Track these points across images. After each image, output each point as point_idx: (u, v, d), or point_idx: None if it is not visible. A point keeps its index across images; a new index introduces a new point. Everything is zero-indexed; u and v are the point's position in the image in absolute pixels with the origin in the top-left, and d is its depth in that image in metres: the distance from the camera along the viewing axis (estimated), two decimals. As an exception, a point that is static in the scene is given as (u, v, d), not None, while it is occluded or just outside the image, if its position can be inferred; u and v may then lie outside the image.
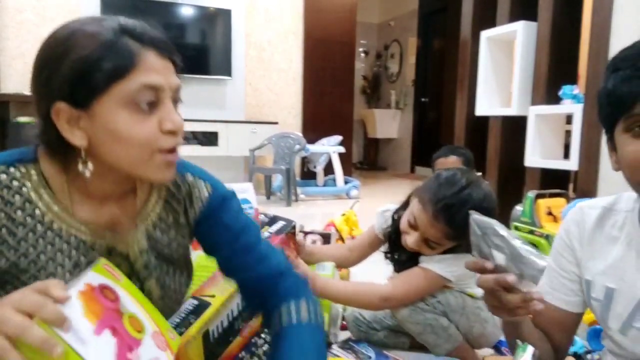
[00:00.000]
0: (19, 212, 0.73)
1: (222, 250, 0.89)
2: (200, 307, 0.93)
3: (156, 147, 0.71)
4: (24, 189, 0.73)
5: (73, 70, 0.67)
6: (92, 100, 0.68)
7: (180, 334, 0.84)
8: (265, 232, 1.22)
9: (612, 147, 0.74)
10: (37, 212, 0.74)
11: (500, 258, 0.70)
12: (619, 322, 0.78)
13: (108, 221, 0.79)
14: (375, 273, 1.99)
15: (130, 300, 0.69)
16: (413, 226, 1.26)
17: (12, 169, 0.73)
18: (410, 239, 1.26)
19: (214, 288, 0.99)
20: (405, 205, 1.38)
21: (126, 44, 0.69)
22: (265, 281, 0.87)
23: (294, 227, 1.29)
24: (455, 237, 1.22)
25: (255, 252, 0.88)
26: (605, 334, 0.84)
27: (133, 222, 0.81)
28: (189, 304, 0.95)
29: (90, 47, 0.67)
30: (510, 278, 0.68)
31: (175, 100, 0.75)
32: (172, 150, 0.73)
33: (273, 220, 1.30)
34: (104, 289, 0.66)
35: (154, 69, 0.70)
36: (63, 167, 0.75)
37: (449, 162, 2.12)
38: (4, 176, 0.72)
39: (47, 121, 0.70)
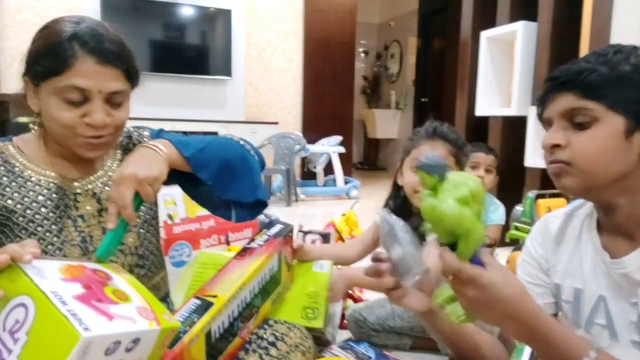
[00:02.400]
0: (2, 168, 0.92)
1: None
2: (203, 307, 0.94)
3: (77, 132, 0.89)
4: (3, 155, 0.94)
5: (29, 56, 0.90)
6: (39, 83, 0.89)
7: (184, 332, 0.86)
8: (264, 235, 1.23)
9: None
10: (16, 169, 0.93)
11: (396, 254, 0.78)
12: (584, 320, 0.83)
13: (80, 171, 0.99)
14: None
15: (127, 286, 0.74)
16: None
17: None
18: None
19: (216, 288, 1.00)
20: (396, 187, 1.45)
21: (68, 48, 0.85)
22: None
23: (291, 231, 1.30)
24: (454, 152, 1.34)
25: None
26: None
27: (100, 170, 1.01)
28: (191, 303, 0.95)
29: (43, 44, 0.88)
30: (384, 266, 0.80)
31: (110, 101, 0.91)
32: (95, 137, 0.91)
33: (271, 223, 1.30)
34: (97, 270, 0.75)
35: (85, 74, 0.86)
36: (41, 137, 0.96)
37: (481, 159, 2.10)
38: None
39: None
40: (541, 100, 0.80)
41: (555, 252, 0.89)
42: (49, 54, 0.86)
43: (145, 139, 1.09)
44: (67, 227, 0.93)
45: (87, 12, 4.04)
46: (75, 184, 0.98)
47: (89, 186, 0.99)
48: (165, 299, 1.14)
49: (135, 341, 0.66)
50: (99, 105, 0.89)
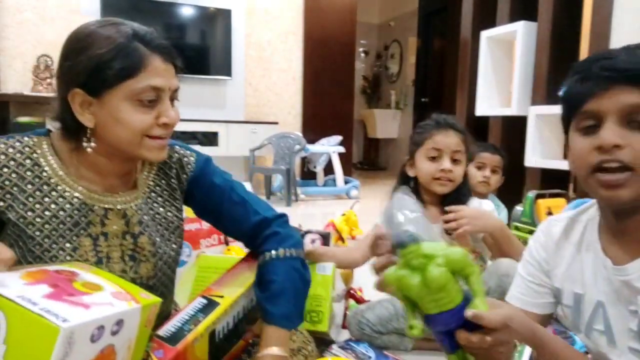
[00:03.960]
0: (29, 173, 0.86)
1: (216, 208, 1.05)
2: (209, 306, 0.94)
3: (151, 134, 0.86)
4: (34, 155, 0.87)
5: (90, 64, 0.81)
6: (104, 91, 0.82)
7: (189, 330, 0.87)
8: None
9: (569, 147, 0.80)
10: (44, 174, 0.87)
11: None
12: (584, 325, 0.83)
13: (108, 188, 0.92)
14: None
15: (97, 277, 0.75)
16: (437, 156, 1.44)
17: (26, 139, 0.88)
18: (445, 164, 1.42)
19: (223, 289, 1.00)
20: (403, 179, 1.53)
21: (137, 49, 0.83)
22: (257, 228, 1.04)
23: (302, 237, 1.31)
24: (464, 140, 1.46)
25: (246, 204, 1.05)
26: (577, 337, 0.88)
27: (131, 188, 0.96)
28: (197, 302, 0.95)
29: (107, 47, 0.81)
30: (384, 230, 0.71)
31: (173, 99, 0.90)
32: (164, 137, 0.89)
33: None
34: (60, 270, 0.74)
35: (158, 72, 0.85)
36: (75, 146, 0.88)
37: (487, 159, 2.12)
38: (18, 143, 0.87)
39: (64, 103, 0.84)
40: (588, 90, 0.71)
41: (556, 255, 0.88)
42: (119, 57, 0.81)
43: (190, 168, 1.03)
44: (82, 246, 0.88)
45: (88, 12, 4.04)
46: (109, 198, 0.91)
47: (122, 206, 0.92)
48: (167, 316, 1.13)
49: (119, 323, 0.67)
50: (169, 104, 0.88)
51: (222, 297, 0.97)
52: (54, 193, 0.87)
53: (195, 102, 4.60)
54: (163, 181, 1.01)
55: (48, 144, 0.89)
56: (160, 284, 0.98)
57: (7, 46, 3.96)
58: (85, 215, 0.88)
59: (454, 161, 1.43)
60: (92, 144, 0.86)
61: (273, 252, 1.01)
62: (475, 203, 1.50)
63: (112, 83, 0.81)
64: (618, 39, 2.22)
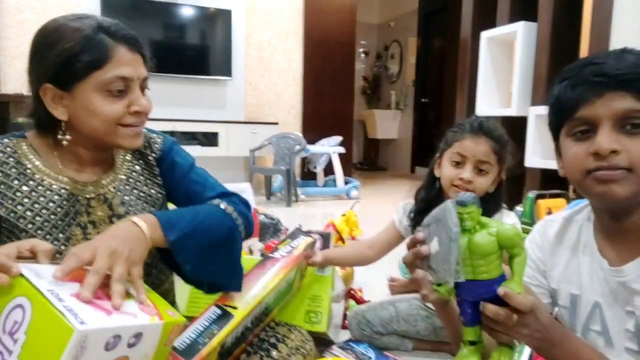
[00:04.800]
0: (13, 170, 0.88)
1: (175, 186, 1.04)
2: (223, 318, 0.95)
3: (124, 122, 0.88)
4: (16, 154, 0.90)
5: (58, 58, 0.83)
6: (73, 84, 0.84)
7: (204, 344, 0.89)
8: (287, 246, 1.23)
9: (559, 153, 0.79)
10: (28, 171, 0.89)
11: (434, 246, 0.68)
12: (580, 326, 0.83)
13: (91, 176, 0.95)
14: (377, 272, 1.99)
15: (128, 284, 0.73)
16: (460, 162, 1.33)
17: (5, 140, 0.91)
18: (465, 174, 1.31)
19: (237, 300, 1.00)
20: (431, 178, 1.43)
21: (102, 40, 0.84)
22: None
23: (314, 244, 1.31)
24: (498, 150, 1.32)
25: (205, 183, 1.04)
26: None
27: (107, 171, 0.98)
28: (212, 312, 0.97)
29: (73, 41, 0.83)
30: (423, 248, 0.68)
31: (143, 88, 0.92)
32: (138, 125, 0.91)
33: (294, 234, 1.31)
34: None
35: (125, 62, 0.86)
36: (53, 141, 0.91)
37: None
38: None
39: (37, 98, 0.86)
40: (581, 96, 0.71)
41: (552, 256, 0.88)
42: (86, 49, 0.83)
43: (157, 147, 1.05)
44: (75, 236, 0.90)
45: (88, 11, 4.02)
46: (89, 187, 0.94)
47: (102, 190, 0.95)
48: (173, 303, 1.14)
49: (137, 336, 0.65)
50: (139, 93, 0.90)
51: (236, 308, 0.98)
52: (40, 187, 0.89)
53: (195, 103, 4.60)
54: (141, 161, 1.03)
55: (27, 144, 0.92)
56: (158, 260, 1.00)
57: (7, 46, 3.96)
58: (73, 205, 0.91)
59: (480, 171, 1.31)
60: (67, 137, 0.89)
61: (216, 200, 0.97)
62: (504, 215, 1.38)
63: (81, 75, 0.83)
64: (618, 39, 2.22)
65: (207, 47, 4.64)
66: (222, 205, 0.96)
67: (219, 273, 0.95)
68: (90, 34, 0.83)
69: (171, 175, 1.05)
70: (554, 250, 0.88)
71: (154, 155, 1.04)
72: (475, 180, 1.31)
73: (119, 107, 0.87)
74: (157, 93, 4.90)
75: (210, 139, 4.38)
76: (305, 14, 5.01)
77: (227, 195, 1.03)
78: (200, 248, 0.88)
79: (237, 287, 1.00)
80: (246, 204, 1.04)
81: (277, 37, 4.96)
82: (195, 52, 4.59)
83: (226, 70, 4.63)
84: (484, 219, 0.66)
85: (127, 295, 0.70)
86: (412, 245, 0.71)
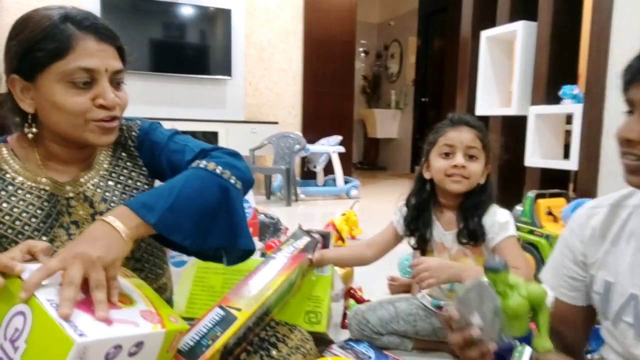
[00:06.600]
0: None
1: (159, 165, 0.99)
2: (226, 320, 0.95)
3: (89, 117, 0.84)
4: None
5: (20, 48, 0.81)
6: (36, 75, 0.82)
7: (207, 346, 0.89)
8: (290, 246, 1.24)
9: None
10: (8, 176, 0.87)
11: (476, 320, 0.70)
12: (612, 314, 0.81)
13: (73, 175, 0.92)
14: (376, 272, 1.99)
15: (133, 289, 0.74)
16: (450, 152, 1.37)
17: None
18: (457, 159, 1.35)
19: (240, 300, 1.00)
20: (420, 182, 1.46)
21: (65, 30, 0.81)
22: (193, 160, 0.94)
23: (317, 245, 1.31)
24: (481, 137, 1.38)
25: (185, 148, 0.98)
26: (603, 326, 0.86)
27: (86, 168, 0.95)
28: (215, 313, 0.96)
29: (36, 30, 0.81)
30: (475, 332, 0.68)
31: (115, 81, 0.87)
32: (107, 120, 0.86)
33: (296, 234, 1.31)
34: None
35: (90, 53, 0.82)
36: (33, 140, 0.89)
37: None
38: None
39: (9, 91, 0.85)
40: (633, 77, 0.70)
41: (595, 245, 0.84)
42: (48, 38, 0.80)
43: (134, 134, 1.01)
44: (59, 237, 0.87)
45: (87, 11, 4.03)
46: (68, 187, 0.90)
47: (80, 189, 0.91)
48: (170, 300, 1.13)
49: (139, 345, 0.64)
50: (107, 86, 0.84)
51: (239, 310, 0.97)
52: (20, 191, 0.87)
53: (195, 102, 4.60)
54: (123, 153, 1.00)
55: (7, 149, 0.90)
56: (149, 254, 0.98)
57: (7, 46, 3.96)
58: (54, 206, 0.88)
59: (470, 157, 1.36)
60: (33, 130, 0.87)
61: (196, 162, 0.90)
62: (497, 213, 1.38)
63: (42, 65, 0.80)
64: (618, 39, 2.21)
65: (207, 46, 4.64)
66: (202, 164, 0.88)
67: (224, 236, 0.88)
68: (54, 23, 0.81)
69: (152, 157, 1.00)
70: (598, 240, 0.84)
71: (133, 144, 1.00)
72: (469, 165, 1.36)
73: (83, 100, 0.82)
74: (157, 93, 4.90)
75: (210, 139, 4.37)
76: (305, 13, 5.01)
77: (206, 151, 0.96)
78: (190, 219, 0.81)
79: (250, 245, 0.92)
80: (231, 153, 0.97)
81: (277, 37, 4.96)
82: (195, 52, 4.59)
83: (226, 70, 4.63)
84: (512, 279, 0.68)
85: (130, 301, 0.70)
86: (448, 324, 0.72)
